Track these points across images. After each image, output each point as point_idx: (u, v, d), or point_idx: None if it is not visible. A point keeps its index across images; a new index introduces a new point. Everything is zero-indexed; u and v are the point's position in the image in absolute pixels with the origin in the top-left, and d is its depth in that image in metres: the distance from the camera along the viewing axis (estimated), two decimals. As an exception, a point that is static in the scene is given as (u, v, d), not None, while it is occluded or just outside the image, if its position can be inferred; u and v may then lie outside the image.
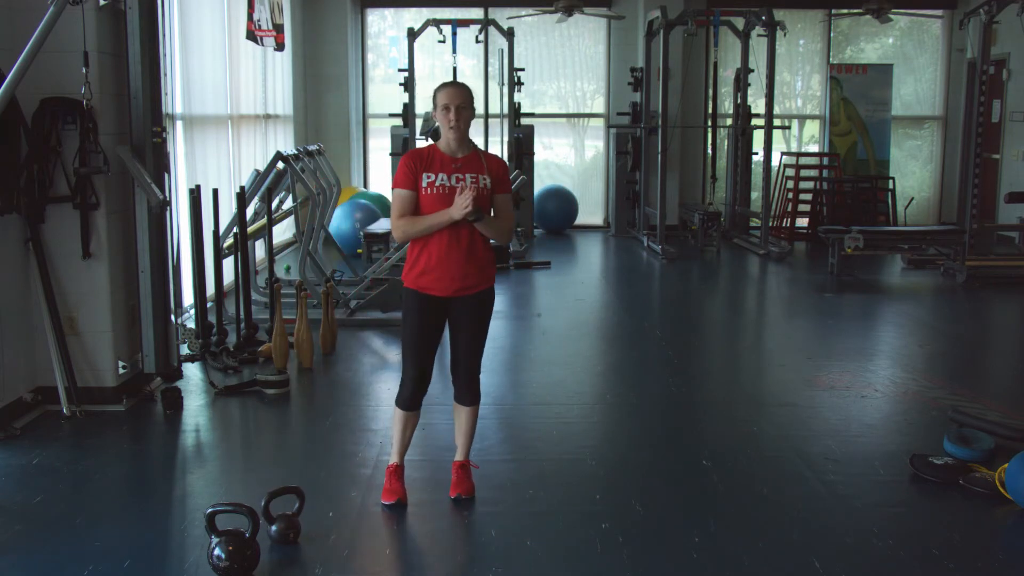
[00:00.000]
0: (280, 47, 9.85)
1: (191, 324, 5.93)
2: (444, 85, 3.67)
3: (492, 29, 10.65)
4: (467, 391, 3.81)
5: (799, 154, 12.11)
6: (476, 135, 11.19)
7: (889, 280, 9.05)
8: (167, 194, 5.01)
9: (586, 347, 6.57)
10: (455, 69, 10.77)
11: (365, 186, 12.36)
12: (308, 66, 11.61)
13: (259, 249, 7.38)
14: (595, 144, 12.70)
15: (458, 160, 3.62)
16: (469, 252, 3.60)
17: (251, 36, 8.86)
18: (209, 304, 6.10)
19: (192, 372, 5.55)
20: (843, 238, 8.76)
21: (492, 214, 3.67)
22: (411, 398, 3.74)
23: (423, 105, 10.62)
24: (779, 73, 11.39)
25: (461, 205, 3.46)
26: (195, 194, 5.75)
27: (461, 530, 3.61)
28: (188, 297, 6.24)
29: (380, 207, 10.39)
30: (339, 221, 9.56)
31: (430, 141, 7.41)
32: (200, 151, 7.49)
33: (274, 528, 3.39)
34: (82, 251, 4.75)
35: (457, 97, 3.59)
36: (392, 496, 3.73)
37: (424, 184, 3.57)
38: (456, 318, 3.70)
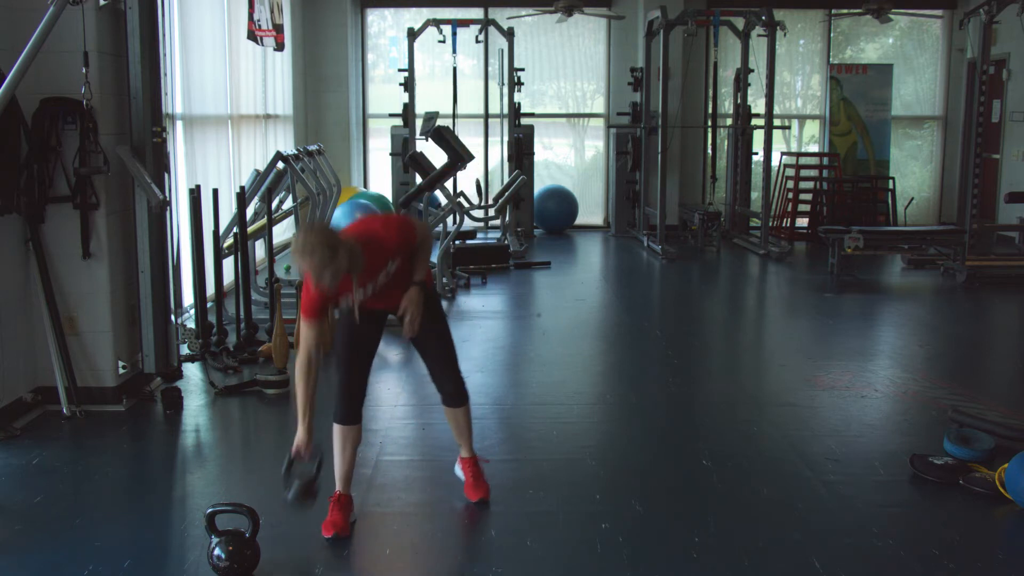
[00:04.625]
0: (280, 47, 9.85)
1: (191, 324, 5.93)
2: (301, 257, 3.07)
3: (492, 29, 10.65)
4: (454, 396, 3.73)
5: (799, 154, 12.11)
6: (476, 135, 11.28)
7: (889, 280, 9.05)
8: (167, 194, 5.01)
9: (586, 347, 6.57)
10: (455, 69, 10.77)
11: (365, 186, 12.36)
12: (308, 66, 11.61)
13: (259, 249, 7.38)
14: (595, 144, 12.70)
15: (359, 276, 3.30)
16: (388, 285, 3.39)
17: (251, 36, 8.86)
18: (209, 304, 6.10)
19: (192, 372, 5.55)
20: (843, 238, 8.76)
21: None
22: (348, 412, 3.59)
23: (423, 105, 10.61)
24: (779, 73, 11.39)
25: None
26: (195, 194, 5.76)
27: (461, 530, 3.61)
28: (188, 297, 6.24)
29: (380, 207, 10.39)
30: (339, 221, 9.56)
31: (430, 141, 7.46)
32: (200, 151, 7.49)
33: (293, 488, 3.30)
34: (82, 251, 4.75)
35: (317, 268, 3.06)
36: (329, 530, 3.47)
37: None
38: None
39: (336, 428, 3.60)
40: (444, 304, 7.35)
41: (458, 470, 3.89)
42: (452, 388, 3.71)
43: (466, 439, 3.84)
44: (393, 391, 5.36)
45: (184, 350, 5.46)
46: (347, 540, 3.46)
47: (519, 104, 10.86)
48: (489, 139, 11.29)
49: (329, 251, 3.03)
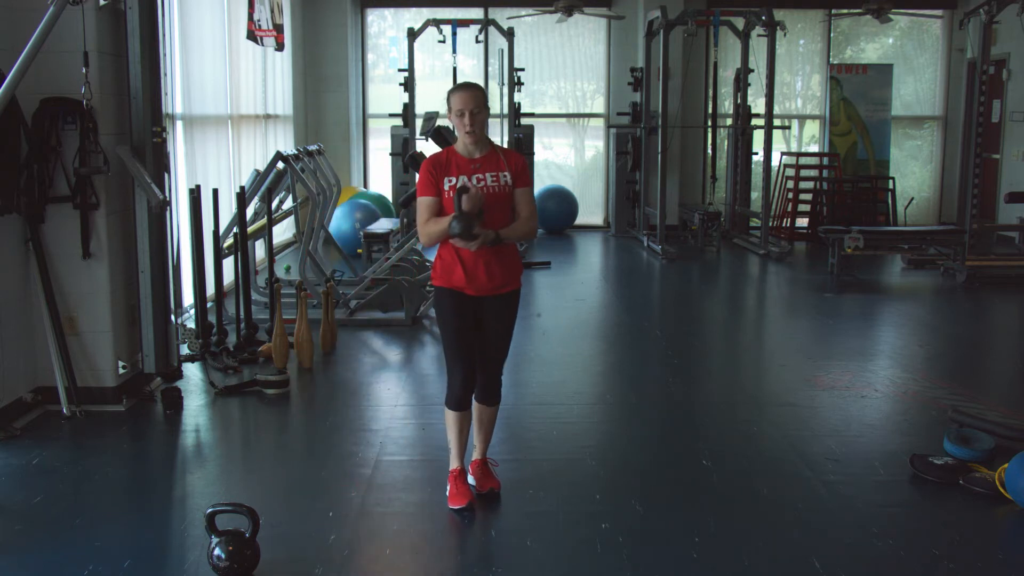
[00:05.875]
0: (280, 47, 9.85)
1: (191, 324, 5.93)
2: (456, 89, 3.62)
3: (492, 29, 10.65)
4: (489, 391, 3.80)
5: (799, 154, 12.11)
6: (476, 135, 11.26)
7: (889, 280, 9.05)
8: (167, 194, 5.01)
9: (586, 347, 6.57)
10: (455, 69, 10.77)
11: (365, 186, 12.36)
12: (308, 66, 11.61)
13: (259, 249, 7.38)
14: (595, 144, 12.70)
15: (476, 161, 3.62)
16: (497, 252, 3.61)
17: (251, 36, 8.86)
18: (209, 304, 6.10)
19: (192, 372, 5.55)
20: (843, 238, 8.76)
21: (513, 209, 3.66)
22: (462, 397, 3.72)
23: (423, 105, 10.62)
24: (779, 73, 11.39)
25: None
26: (195, 194, 5.75)
27: (461, 530, 3.61)
28: (188, 297, 6.25)
29: (380, 207, 10.39)
30: (339, 221, 9.56)
31: (430, 141, 7.46)
32: (200, 151, 7.49)
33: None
34: (82, 251, 4.75)
35: (471, 101, 3.55)
36: (462, 500, 3.71)
37: (447, 188, 3.57)
38: (484, 319, 3.69)
39: (449, 413, 3.77)
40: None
41: (470, 478, 3.87)
42: (487, 381, 3.77)
43: (483, 440, 3.89)
44: (393, 391, 5.36)
45: (184, 350, 5.46)
46: (347, 540, 3.45)
47: (519, 104, 10.86)
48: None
49: (484, 96, 3.62)
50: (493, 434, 3.94)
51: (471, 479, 3.86)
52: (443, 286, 3.67)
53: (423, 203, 3.62)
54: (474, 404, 3.83)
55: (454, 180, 3.57)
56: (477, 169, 3.60)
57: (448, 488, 3.79)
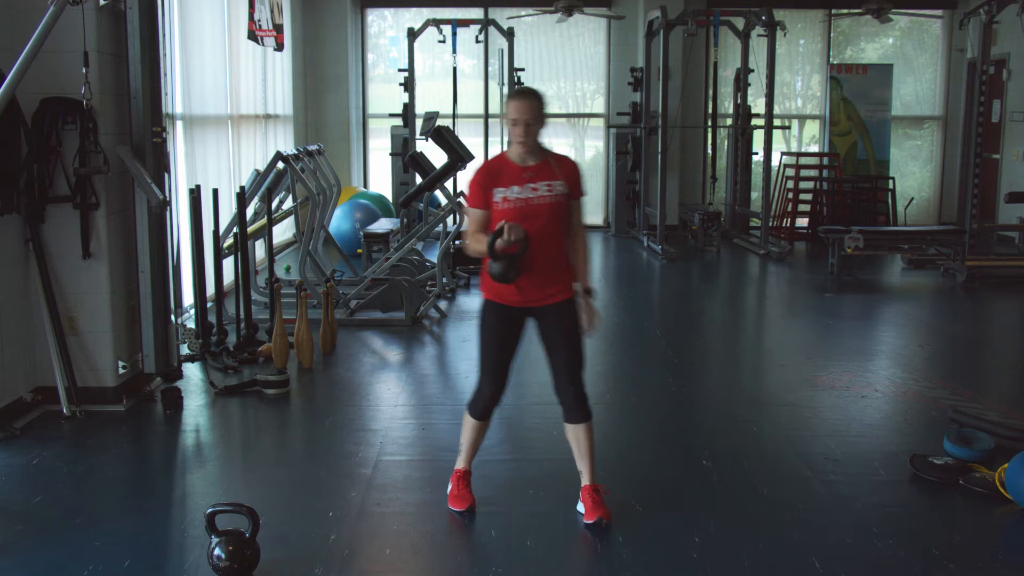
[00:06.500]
0: (280, 47, 9.86)
1: (191, 324, 5.93)
2: (514, 96, 3.46)
3: (492, 29, 10.65)
4: (576, 408, 3.60)
5: (799, 154, 12.11)
6: (476, 135, 11.28)
7: (889, 280, 9.05)
8: (167, 194, 5.01)
9: (586, 347, 6.55)
10: (455, 69, 10.77)
11: (365, 186, 12.36)
12: (308, 66, 11.61)
13: (259, 249, 7.38)
14: (595, 144, 12.70)
15: (529, 169, 3.48)
16: (545, 261, 3.47)
17: (251, 36, 8.87)
18: (209, 304, 6.10)
19: (192, 372, 5.55)
20: (843, 238, 8.76)
21: (570, 220, 3.60)
22: (485, 409, 3.64)
23: (423, 105, 10.63)
24: (779, 73, 11.38)
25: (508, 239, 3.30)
26: (195, 194, 5.76)
27: (461, 530, 3.61)
28: (188, 297, 6.24)
29: (380, 207, 10.39)
30: (339, 221, 9.56)
31: (430, 141, 7.46)
32: (200, 151, 7.49)
33: None
34: (82, 251, 4.75)
35: (527, 112, 3.40)
36: (462, 503, 3.67)
37: (498, 199, 3.45)
38: (544, 334, 3.57)
39: (468, 418, 3.69)
40: (444, 304, 7.36)
41: (579, 504, 3.67)
42: (573, 400, 3.59)
43: (587, 463, 3.63)
44: (393, 391, 5.36)
45: (184, 350, 5.46)
46: (347, 540, 3.45)
47: (519, 104, 10.84)
48: (489, 139, 11.29)
49: (541, 106, 3.44)
50: (493, 434, 3.93)
51: (580, 506, 3.65)
52: (490, 299, 3.55)
53: (471, 214, 3.51)
54: (567, 426, 3.64)
55: (505, 191, 3.43)
56: (530, 178, 3.46)
57: (449, 487, 3.76)
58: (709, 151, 11.93)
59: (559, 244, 3.55)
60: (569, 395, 3.60)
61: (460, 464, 3.76)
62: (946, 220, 12.30)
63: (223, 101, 8.26)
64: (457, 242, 8.72)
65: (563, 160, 3.58)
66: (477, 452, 3.80)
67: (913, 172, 12.82)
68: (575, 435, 3.63)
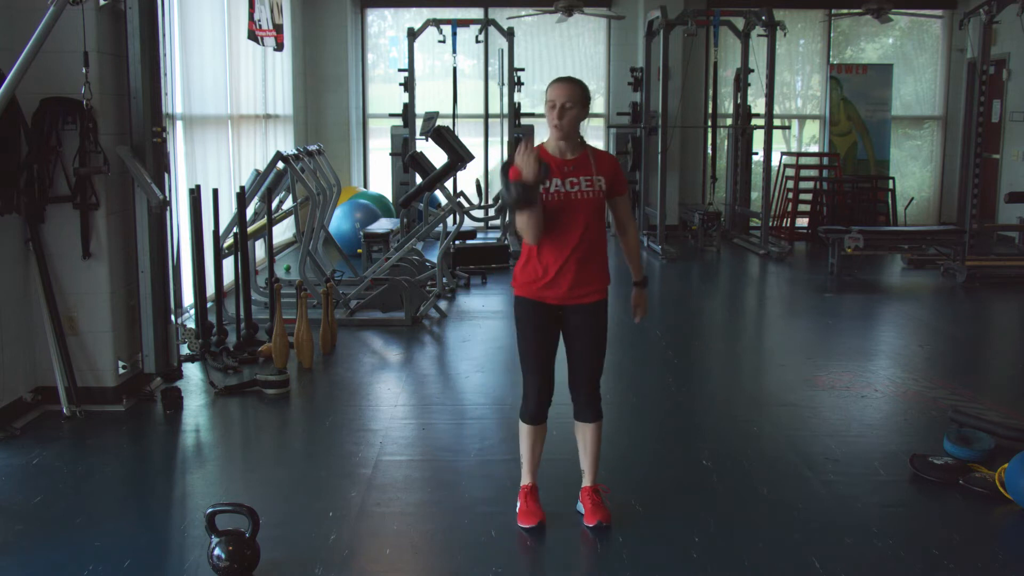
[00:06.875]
0: (280, 47, 9.86)
1: (191, 324, 5.93)
2: (554, 81, 3.40)
3: (492, 29, 10.65)
4: (588, 407, 3.56)
5: (799, 154, 12.11)
6: (477, 135, 11.28)
7: (889, 280, 9.05)
8: (167, 194, 5.01)
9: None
10: (455, 69, 10.77)
11: (365, 186, 12.36)
12: (308, 66, 11.62)
13: (259, 249, 7.38)
14: (595, 144, 12.66)
15: (569, 163, 3.41)
16: (583, 259, 3.40)
17: (251, 36, 8.87)
18: (209, 304, 6.10)
19: (192, 372, 5.55)
20: (843, 238, 8.76)
21: (613, 218, 3.57)
22: (537, 411, 3.53)
23: (423, 105, 10.63)
24: (779, 73, 11.39)
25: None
26: (195, 194, 5.76)
27: (461, 530, 3.60)
28: (188, 297, 6.24)
29: (380, 207, 10.39)
30: (339, 221, 9.56)
31: (430, 141, 7.46)
32: (200, 151, 7.49)
33: None
34: (82, 251, 4.75)
35: (564, 94, 3.33)
36: (532, 519, 3.52)
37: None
38: (571, 331, 3.49)
39: (522, 427, 3.59)
40: (444, 304, 7.36)
41: (579, 504, 3.66)
42: (586, 399, 3.55)
43: (590, 463, 3.62)
44: (393, 391, 5.36)
45: (184, 350, 5.46)
46: (347, 540, 3.46)
47: (519, 104, 10.85)
48: (489, 139, 11.29)
49: (581, 92, 3.39)
50: (493, 434, 3.93)
51: (580, 509, 3.64)
52: (523, 296, 3.48)
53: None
54: (576, 424, 3.62)
55: (547, 184, 3.34)
56: (570, 172, 3.39)
57: (518, 504, 3.60)
58: (709, 151, 11.93)
59: (598, 242, 3.46)
60: (583, 393, 3.56)
61: (525, 480, 3.61)
62: (946, 220, 12.30)
63: (223, 101, 8.26)
64: (457, 242, 8.71)
65: (602, 156, 3.52)
66: (539, 463, 3.63)
67: (913, 172, 12.82)
68: (583, 434, 3.61)
